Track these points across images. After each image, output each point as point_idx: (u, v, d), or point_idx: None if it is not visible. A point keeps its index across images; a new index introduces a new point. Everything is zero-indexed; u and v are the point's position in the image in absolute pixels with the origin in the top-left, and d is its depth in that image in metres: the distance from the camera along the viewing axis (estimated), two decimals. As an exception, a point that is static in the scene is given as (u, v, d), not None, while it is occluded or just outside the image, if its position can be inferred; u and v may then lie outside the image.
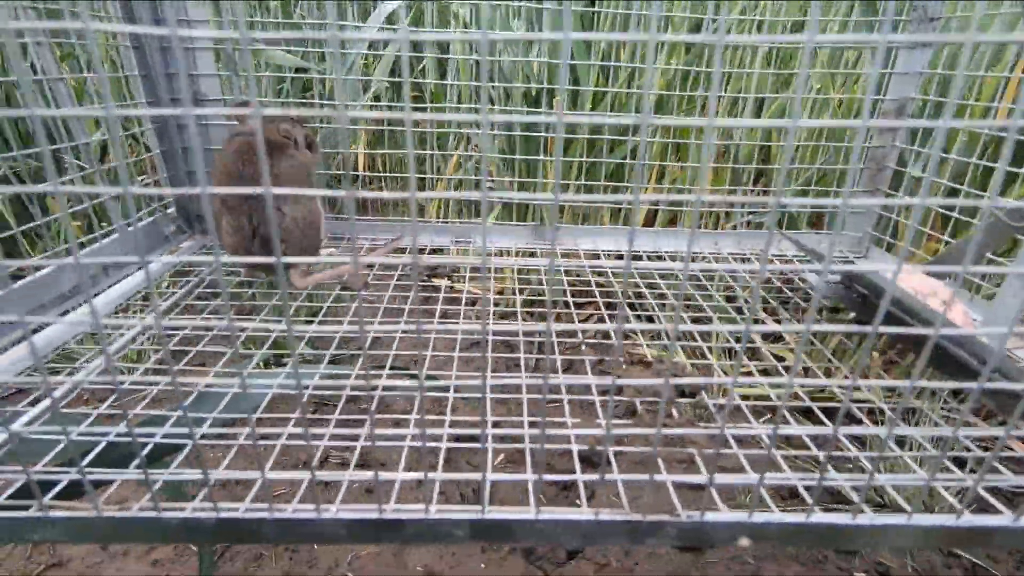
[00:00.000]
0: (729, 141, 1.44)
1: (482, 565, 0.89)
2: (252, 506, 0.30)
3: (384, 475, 0.31)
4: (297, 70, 1.18)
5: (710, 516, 0.30)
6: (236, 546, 0.90)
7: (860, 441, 0.97)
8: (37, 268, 0.54)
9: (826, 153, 1.29)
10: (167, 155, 0.78)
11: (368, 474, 0.31)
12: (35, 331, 0.53)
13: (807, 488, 0.36)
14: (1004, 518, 0.33)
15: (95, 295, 0.62)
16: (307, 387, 0.49)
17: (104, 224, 0.69)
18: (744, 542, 0.30)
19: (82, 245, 0.68)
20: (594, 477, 0.32)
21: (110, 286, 0.63)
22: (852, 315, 0.66)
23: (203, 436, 0.38)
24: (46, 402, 0.41)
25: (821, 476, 0.31)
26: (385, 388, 0.93)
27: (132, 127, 0.78)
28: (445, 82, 1.54)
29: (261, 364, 1.08)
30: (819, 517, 0.31)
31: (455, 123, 1.57)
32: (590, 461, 0.35)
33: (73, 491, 0.33)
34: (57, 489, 0.32)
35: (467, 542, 0.28)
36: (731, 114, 1.43)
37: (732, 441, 0.40)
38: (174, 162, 0.80)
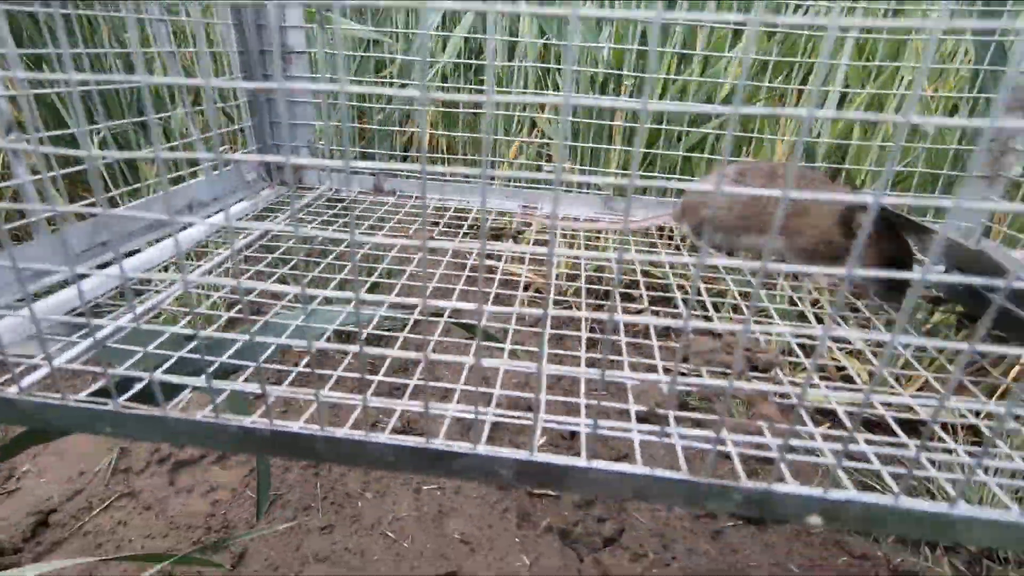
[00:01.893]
0: (808, 138, 1.37)
1: (516, 540, 0.90)
2: (305, 425, 0.32)
3: (436, 407, 0.32)
4: (373, 44, 1.21)
5: (779, 487, 0.28)
6: (286, 496, 0.95)
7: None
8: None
9: (915, 152, 1.20)
10: (257, 128, 0.84)
11: (417, 404, 0.32)
12: (127, 255, 0.58)
13: (894, 476, 0.33)
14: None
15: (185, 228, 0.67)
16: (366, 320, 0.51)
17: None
18: (815, 519, 0.28)
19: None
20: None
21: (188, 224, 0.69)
22: (959, 308, 0.61)
23: (267, 361, 0.41)
24: (129, 316, 0.45)
25: (921, 445, 0.28)
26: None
27: (229, 100, 0.86)
28: (512, 64, 1.55)
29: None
30: (908, 502, 0.29)
31: (520, 107, 1.56)
32: (647, 421, 0.34)
33: (148, 398, 0.36)
34: (133, 391, 0.36)
35: (513, 482, 0.29)
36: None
37: (807, 418, 0.38)
38: (263, 134, 0.86)
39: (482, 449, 0.28)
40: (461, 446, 0.28)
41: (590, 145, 1.29)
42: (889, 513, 0.28)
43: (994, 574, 0.87)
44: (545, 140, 1.60)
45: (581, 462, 0.28)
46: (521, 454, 0.28)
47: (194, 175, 0.71)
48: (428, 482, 1.00)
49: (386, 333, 0.51)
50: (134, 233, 0.61)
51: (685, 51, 1.27)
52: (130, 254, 0.60)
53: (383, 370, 0.48)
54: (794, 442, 0.29)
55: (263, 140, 0.84)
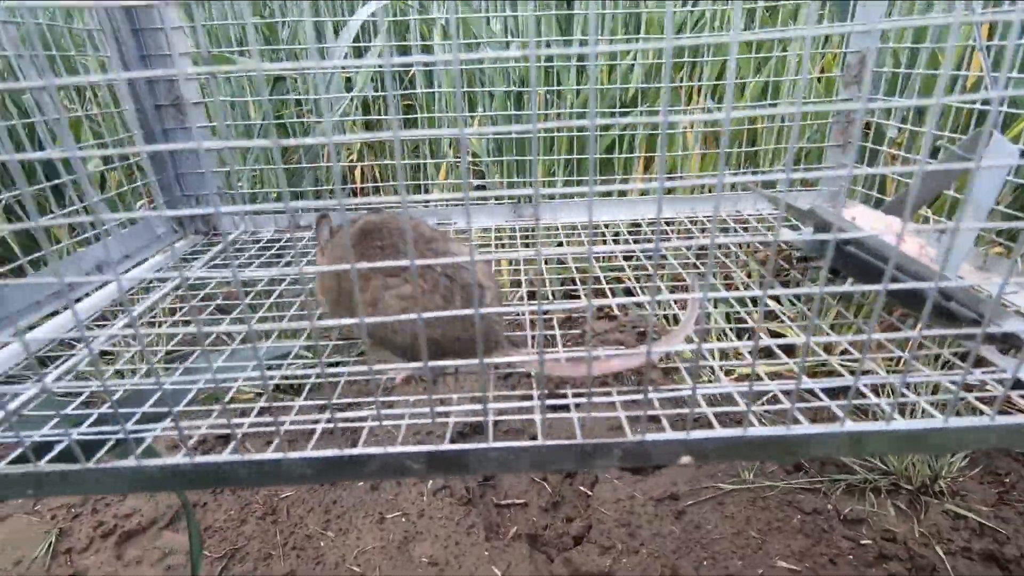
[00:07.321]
0: (716, 129, 1.45)
1: (485, 552, 0.90)
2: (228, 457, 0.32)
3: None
4: (276, 80, 1.22)
5: (651, 436, 0.31)
6: (244, 548, 0.92)
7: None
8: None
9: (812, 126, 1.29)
10: (164, 181, 0.82)
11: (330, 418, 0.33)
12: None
13: (744, 396, 0.36)
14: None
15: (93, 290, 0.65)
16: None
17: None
18: (685, 459, 0.31)
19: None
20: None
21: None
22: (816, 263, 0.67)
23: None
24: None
25: (751, 382, 0.32)
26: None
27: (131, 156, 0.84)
28: (433, 90, 1.58)
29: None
30: (755, 431, 0.32)
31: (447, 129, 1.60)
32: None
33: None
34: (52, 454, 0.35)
35: (426, 474, 0.30)
36: (713, 98, 1.45)
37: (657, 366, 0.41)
38: (170, 187, 0.85)
39: (391, 449, 0.29)
40: (372, 449, 0.29)
41: (515, 158, 1.33)
42: (743, 442, 0.31)
43: (931, 507, 0.93)
44: (473, 159, 1.63)
45: (483, 444, 0.30)
46: (429, 446, 0.29)
47: (102, 235, 0.69)
48: (392, 511, 0.98)
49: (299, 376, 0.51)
50: (42, 302, 0.59)
51: (584, 63, 1.33)
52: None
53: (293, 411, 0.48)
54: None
55: (171, 193, 0.83)
